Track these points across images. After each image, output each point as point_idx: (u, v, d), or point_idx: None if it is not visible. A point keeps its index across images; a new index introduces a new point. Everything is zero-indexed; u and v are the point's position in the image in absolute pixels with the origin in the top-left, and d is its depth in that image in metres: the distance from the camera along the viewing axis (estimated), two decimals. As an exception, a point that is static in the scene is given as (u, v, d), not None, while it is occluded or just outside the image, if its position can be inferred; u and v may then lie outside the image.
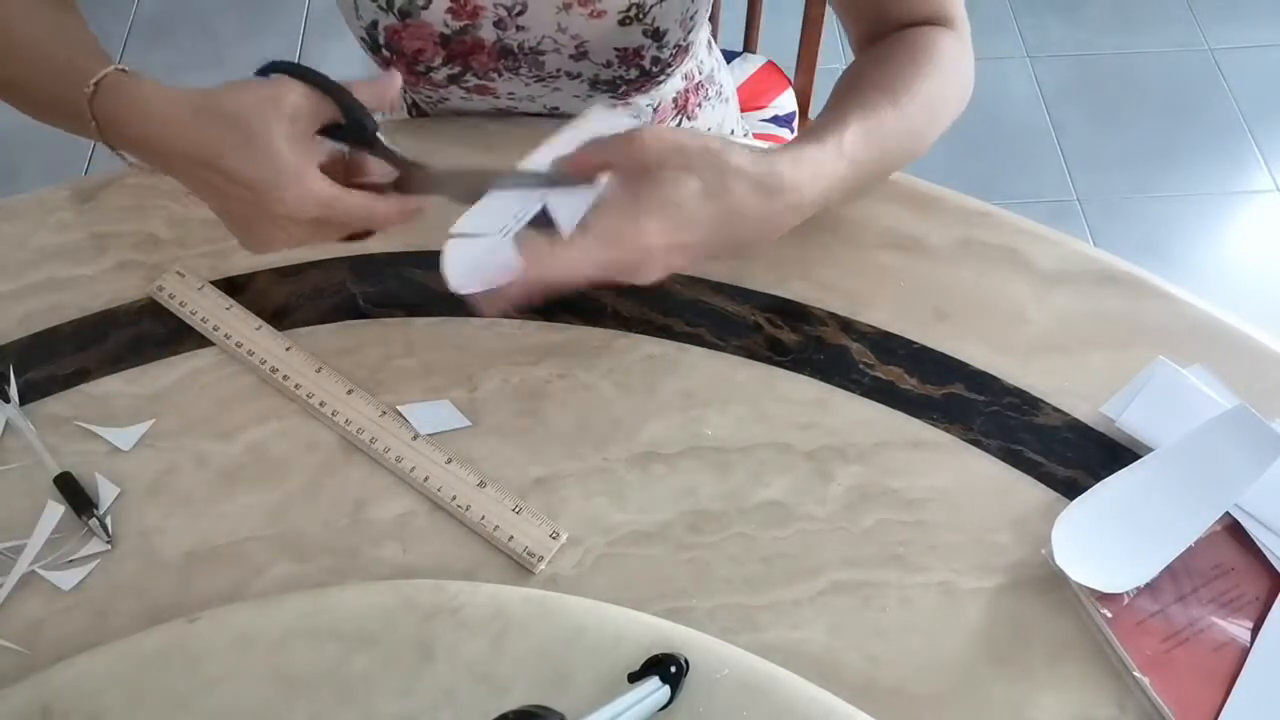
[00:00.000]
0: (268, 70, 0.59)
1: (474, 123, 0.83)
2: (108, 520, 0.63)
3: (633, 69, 0.80)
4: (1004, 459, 0.65)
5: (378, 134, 0.60)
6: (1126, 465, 0.63)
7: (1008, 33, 2.05)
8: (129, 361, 0.69)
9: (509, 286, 0.57)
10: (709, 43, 1.01)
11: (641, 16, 0.75)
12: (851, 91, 0.67)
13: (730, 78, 1.06)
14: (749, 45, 1.26)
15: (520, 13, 0.76)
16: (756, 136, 1.16)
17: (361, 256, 0.73)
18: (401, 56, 0.79)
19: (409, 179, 0.62)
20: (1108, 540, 0.60)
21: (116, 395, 0.68)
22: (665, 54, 0.80)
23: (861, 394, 0.68)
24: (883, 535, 0.63)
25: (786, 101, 1.22)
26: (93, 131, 0.62)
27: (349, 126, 0.60)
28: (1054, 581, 0.61)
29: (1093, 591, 0.59)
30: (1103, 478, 0.62)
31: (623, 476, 0.65)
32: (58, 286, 0.73)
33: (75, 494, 0.63)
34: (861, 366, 0.69)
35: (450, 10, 0.76)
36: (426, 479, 0.64)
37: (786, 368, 0.69)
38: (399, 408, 0.67)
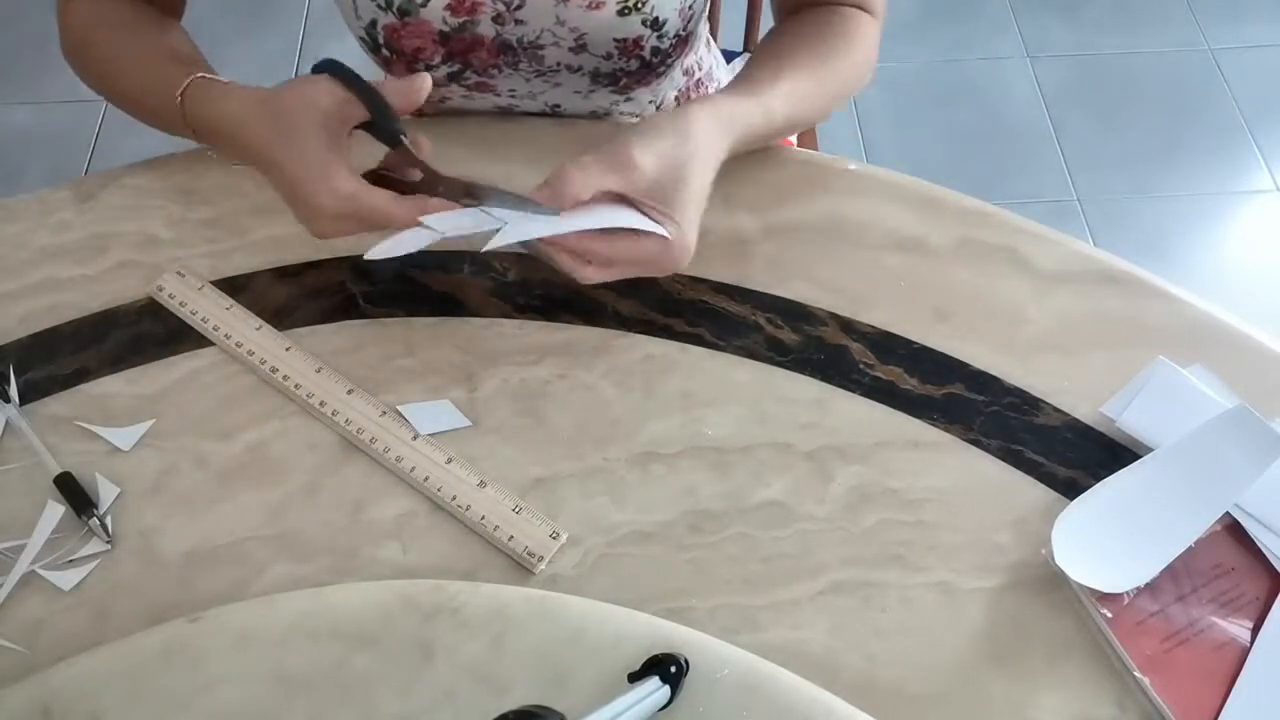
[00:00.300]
0: (319, 68, 0.64)
1: (474, 123, 0.83)
2: (108, 520, 0.63)
3: (633, 60, 0.80)
4: (1004, 459, 0.65)
5: (401, 136, 0.64)
6: (1126, 465, 0.63)
7: (1008, 33, 2.05)
8: (129, 361, 0.69)
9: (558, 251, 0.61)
10: (708, 40, 1.01)
11: (640, 6, 0.76)
12: (787, 55, 0.73)
13: (730, 76, 1.06)
14: (749, 45, 1.26)
15: (518, 7, 0.76)
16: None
17: (361, 256, 0.73)
18: (401, 55, 0.79)
19: (430, 182, 0.64)
20: (1108, 540, 0.60)
21: (116, 395, 0.68)
22: (665, 44, 0.80)
23: (861, 394, 0.68)
24: (883, 535, 0.62)
25: (786, 101, 1.21)
26: (192, 136, 0.71)
27: (377, 127, 0.63)
28: (1054, 581, 0.61)
29: (1093, 591, 0.59)
30: (1103, 478, 0.62)
31: (623, 476, 0.65)
32: (58, 286, 0.73)
33: (75, 494, 0.63)
34: (862, 366, 0.69)
35: (449, 7, 0.76)
36: (426, 479, 0.64)
37: (787, 368, 0.69)
38: (399, 408, 0.67)
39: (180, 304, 0.71)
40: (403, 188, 0.64)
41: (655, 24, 0.78)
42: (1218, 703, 0.56)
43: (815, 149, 1.14)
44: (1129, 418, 0.65)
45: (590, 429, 0.66)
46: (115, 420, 0.67)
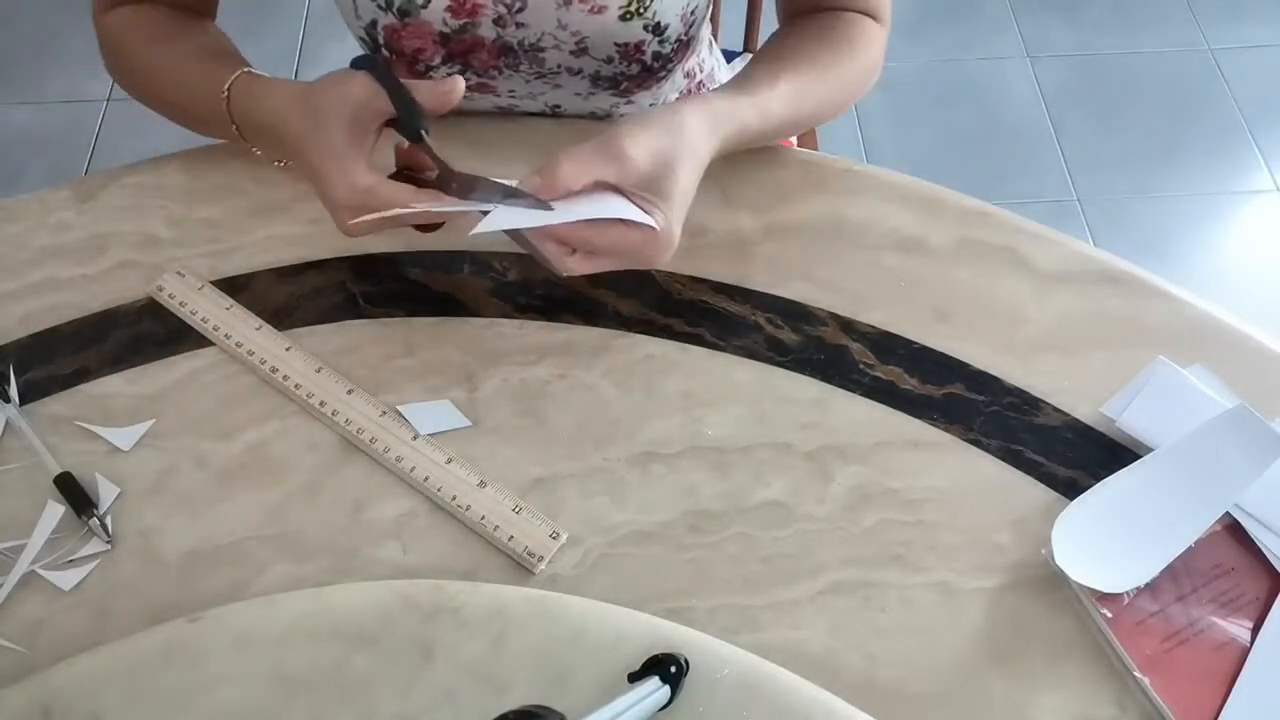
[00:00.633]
0: (357, 63, 0.65)
1: (473, 123, 0.82)
2: (108, 520, 0.63)
3: (634, 64, 0.80)
4: (1004, 459, 0.65)
5: (424, 134, 0.64)
6: (1126, 465, 0.63)
7: (1008, 33, 2.05)
8: (129, 361, 0.69)
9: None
10: (710, 42, 1.01)
11: (642, 11, 0.76)
12: (789, 57, 0.74)
13: (730, 77, 1.06)
14: (749, 45, 1.26)
15: (520, 10, 0.76)
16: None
17: (361, 256, 0.73)
18: (401, 56, 0.79)
19: (444, 179, 0.65)
20: (1108, 540, 0.60)
21: (116, 395, 0.68)
22: (666, 49, 0.80)
23: (861, 394, 0.68)
24: (883, 535, 0.62)
25: (786, 101, 1.22)
26: (235, 135, 0.71)
27: (403, 123, 0.64)
28: (1054, 581, 0.61)
29: (1093, 591, 0.59)
30: (1103, 478, 0.62)
31: (623, 476, 0.65)
32: (58, 286, 0.73)
33: (75, 494, 0.63)
34: (862, 366, 0.69)
35: (449, 9, 0.76)
36: (426, 479, 0.64)
37: (787, 368, 0.69)
38: (399, 408, 0.67)
39: (180, 304, 0.71)
40: (421, 185, 0.65)
41: (657, 29, 0.78)
42: (1218, 703, 0.56)
43: (815, 149, 1.14)
44: (1129, 418, 0.65)
45: (590, 429, 0.66)
46: (115, 420, 0.67)
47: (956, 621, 0.60)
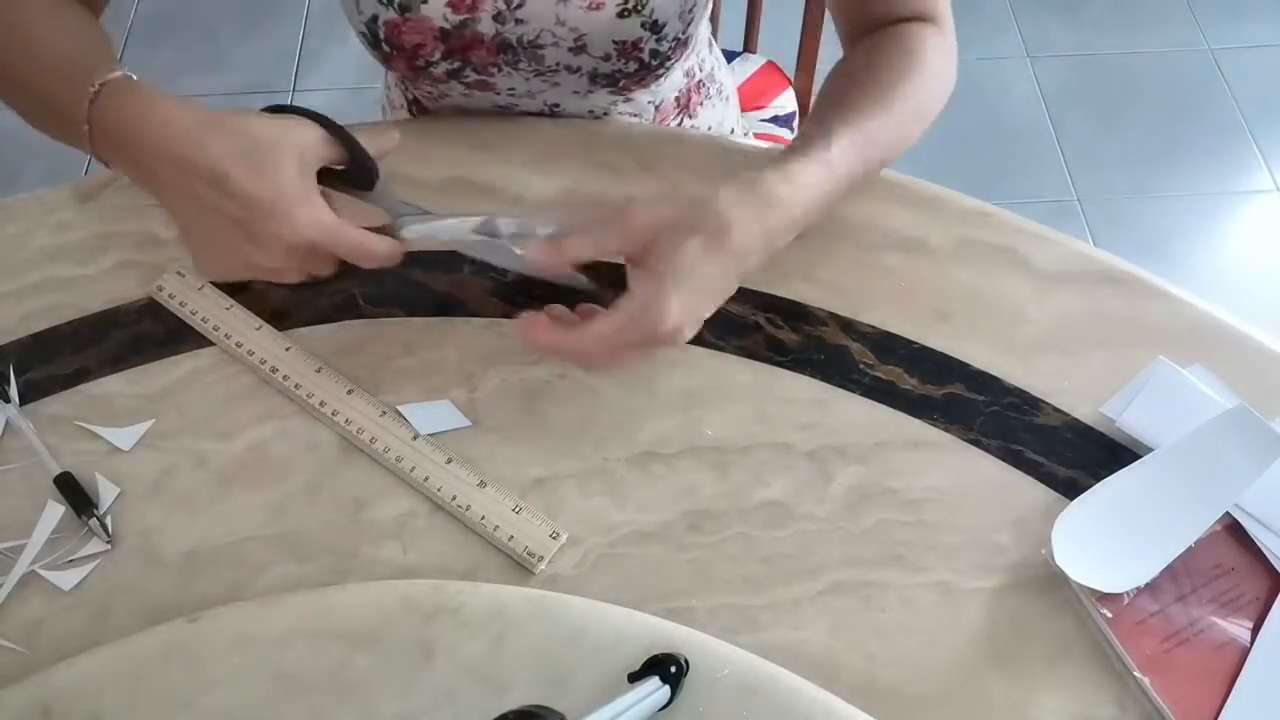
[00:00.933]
0: (273, 110, 0.63)
1: (472, 122, 0.83)
2: (108, 520, 0.63)
3: (631, 62, 0.80)
4: (1004, 459, 0.65)
5: (374, 178, 0.64)
6: (1126, 465, 0.63)
7: (1008, 33, 2.05)
8: (129, 361, 0.69)
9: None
10: (709, 41, 1.01)
11: (640, 8, 0.76)
12: (842, 97, 0.69)
13: (731, 77, 1.06)
14: (749, 45, 1.26)
15: (519, 6, 0.76)
16: (757, 136, 1.17)
17: (361, 256, 0.73)
18: (401, 51, 0.79)
19: (395, 227, 0.65)
20: (1108, 540, 0.60)
21: (116, 395, 0.68)
22: (664, 47, 0.80)
23: (861, 394, 0.68)
24: (883, 535, 0.63)
25: (786, 101, 1.22)
26: (83, 135, 0.62)
27: (354, 170, 0.64)
28: (1054, 581, 0.61)
29: (1093, 591, 0.59)
30: (1103, 478, 0.62)
31: (623, 476, 0.65)
32: (58, 286, 0.73)
33: (75, 494, 0.63)
34: (862, 366, 0.69)
35: (450, 4, 0.76)
36: (426, 479, 0.64)
37: (787, 368, 0.69)
38: (399, 408, 0.67)
39: (180, 304, 0.71)
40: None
41: (654, 26, 0.78)
42: (1218, 703, 0.56)
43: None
44: (1129, 418, 0.65)
45: (590, 429, 0.66)
46: (115, 420, 0.67)
47: (956, 621, 0.60)
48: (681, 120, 0.96)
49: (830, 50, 0.84)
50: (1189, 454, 0.62)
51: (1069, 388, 0.68)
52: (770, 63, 1.25)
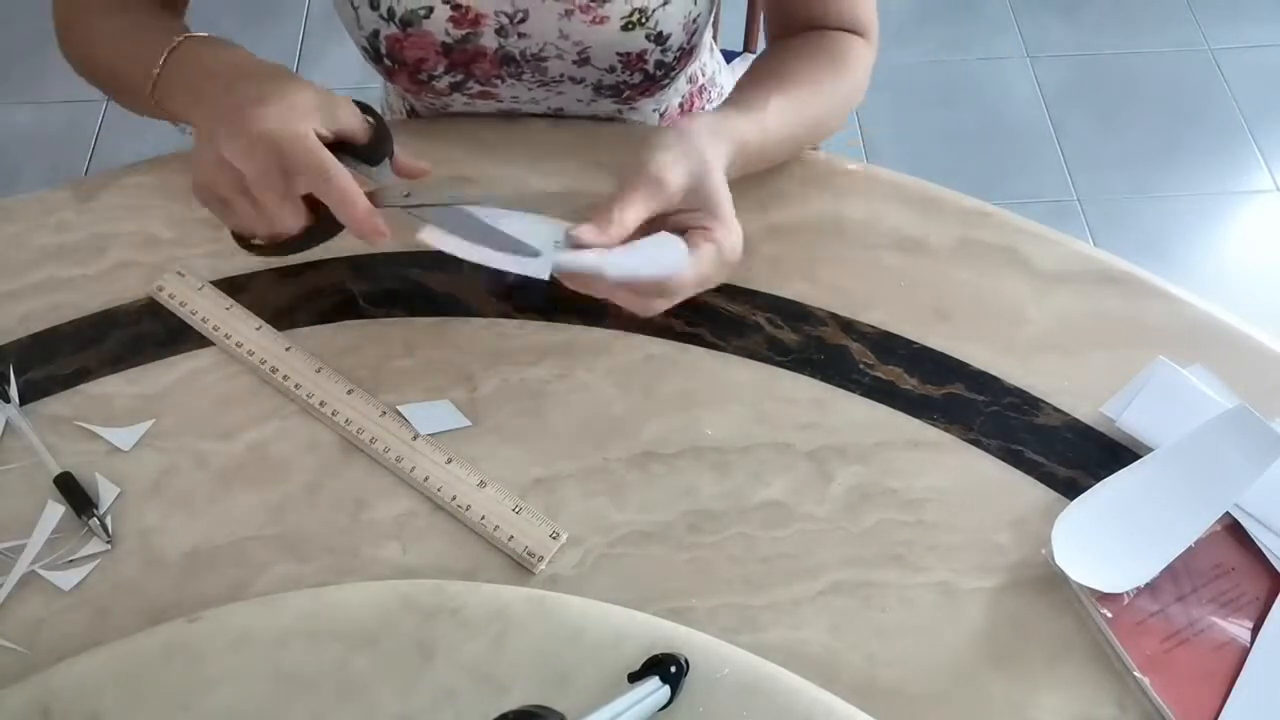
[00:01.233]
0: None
1: (474, 124, 0.83)
2: (108, 520, 0.63)
3: (636, 74, 0.80)
4: (1004, 459, 0.65)
5: (387, 159, 0.63)
6: (1126, 465, 0.63)
7: (1008, 33, 2.05)
8: (129, 361, 0.69)
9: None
10: (711, 46, 1.01)
11: (644, 21, 0.75)
12: (775, 78, 0.72)
13: (731, 78, 1.06)
14: (749, 45, 1.26)
15: (522, 20, 0.76)
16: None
17: (362, 256, 0.73)
18: (403, 66, 0.79)
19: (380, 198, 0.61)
20: (1108, 540, 0.60)
21: (116, 395, 0.68)
22: (669, 58, 0.80)
23: (861, 394, 0.68)
24: (883, 535, 0.63)
25: (786, 101, 1.21)
26: (153, 106, 0.65)
27: (371, 147, 0.62)
28: (1054, 581, 0.61)
29: (1093, 591, 0.59)
30: (1103, 478, 0.62)
31: (623, 476, 0.65)
32: (58, 286, 0.73)
33: (75, 494, 0.63)
34: (862, 366, 0.69)
35: (452, 19, 0.75)
36: (426, 479, 0.64)
37: (786, 368, 0.69)
38: (399, 408, 0.67)
39: (180, 304, 0.71)
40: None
41: (659, 38, 0.77)
42: (1218, 703, 0.56)
43: (815, 149, 1.14)
44: (1129, 418, 0.65)
45: (590, 429, 0.66)
46: (115, 420, 0.67)
47: (956, 621, 0.60)
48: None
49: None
50: (1189, 454, 0.62)
51: (1069, 388, 0.68)
52: (770, 63, 1.24)
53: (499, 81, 0.81)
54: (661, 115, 0.92)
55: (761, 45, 1.25)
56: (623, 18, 0.75)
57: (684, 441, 0.66)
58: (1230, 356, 0.68)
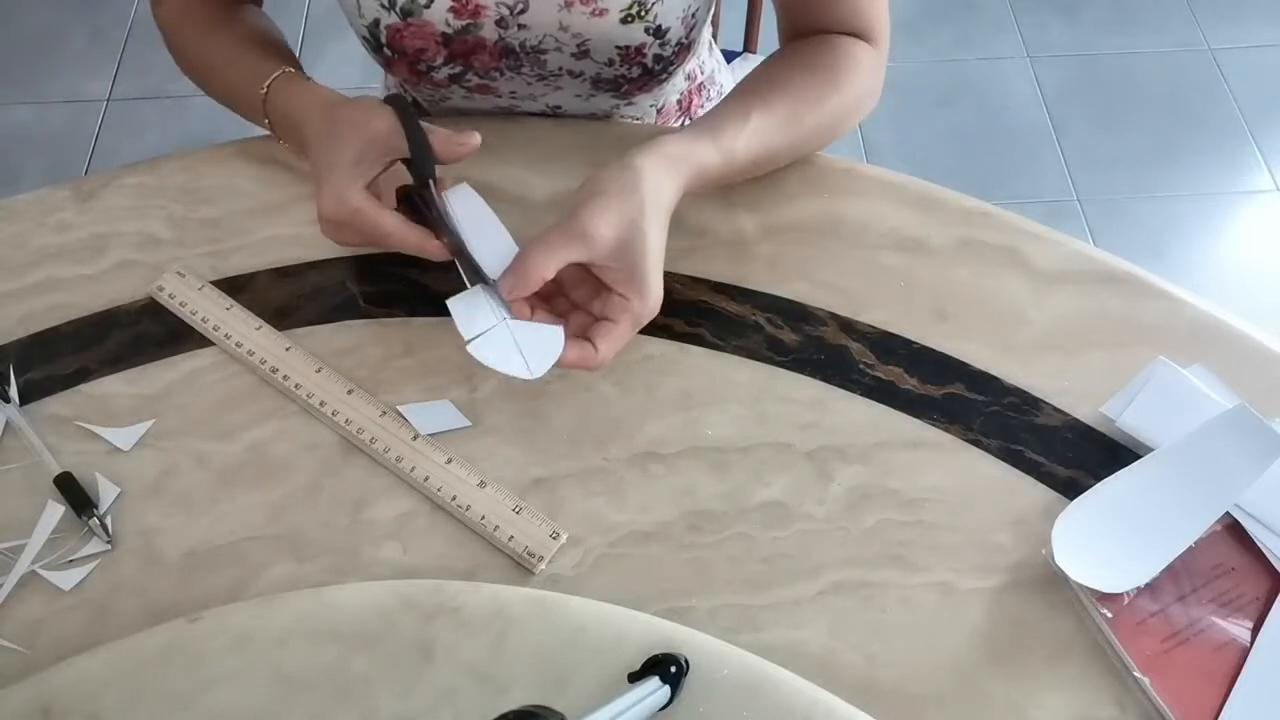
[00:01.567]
0: (387, 100, 0.67)
1: (473, 126, 0.82)
2: (108, 520, 0.63)
3: (635, 67, 0.80)
4: (1004, 459, 0.65)
5: (430, 180, 0.66)
6: (1126, 465, 0.63)
7: (1008, 33, 2.05)
8: (129, 361, 0.69)
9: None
10: (710, 43, 1.01)
11: (643, 14, 0.76)
12: (765, 93, 0.72)
13: (731, 78, 1.06)
14: (749, 45, 1.26)
15: (522, 11, 0.76)
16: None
17: (361, 256, 0.73)
18: (403, 56, 0.79)
19: (436, 228, 0.66)
20: (1108, 540, 0.60)
21: (116, 395, 0.68)
22: (667, 52, 0.80)
23: (861, 394, 0.68)
24: (883, 535, 0.63)
25: (786, 101, 1.21)
26: (267, 125, 0.75)
27: (414, 165, 0.66)
28: (1054, 581, 0.61)
29: (1093, 591, 0.59)
30: (1103, 478, 0.62)
31: (623, 476, 0.65)
32: (58, 286, 0.73)
33: (75, 494, 0.63)
34: (861, 366, 0.69)
35: (452, 9, 0.76)
36: (426, 479, 0.64)
37: (786, 368, 0.69)
38: (399, 408, 0.67)
39: (180, 304, 0.71)
40: (422, 218, 0.66)
41: (658, 32, 0.78)
42: (1218, 703, 0.56)
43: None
44: (1129, 418, 0.65)
45: (590, 429, 0.66)
46: (115, 420, 0.67)
47: (956, 621, 0.60)
48: (682, 122, 0.96)
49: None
50: (1189, 454, 0.62)
51: (1069, 388, 0.68)
52: (770, 63, 1.24)
53: (498, 74, 0.81)
54: (659, 111, 0.92)
55: (762, 45, 1.26)
56: (622, 11, 0.75)
57: (684, 441, 0.66)
58: (1230, 356, 0.68)
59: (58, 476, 0.64)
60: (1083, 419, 0.67)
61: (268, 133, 0.78)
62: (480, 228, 0.66)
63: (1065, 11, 2.08)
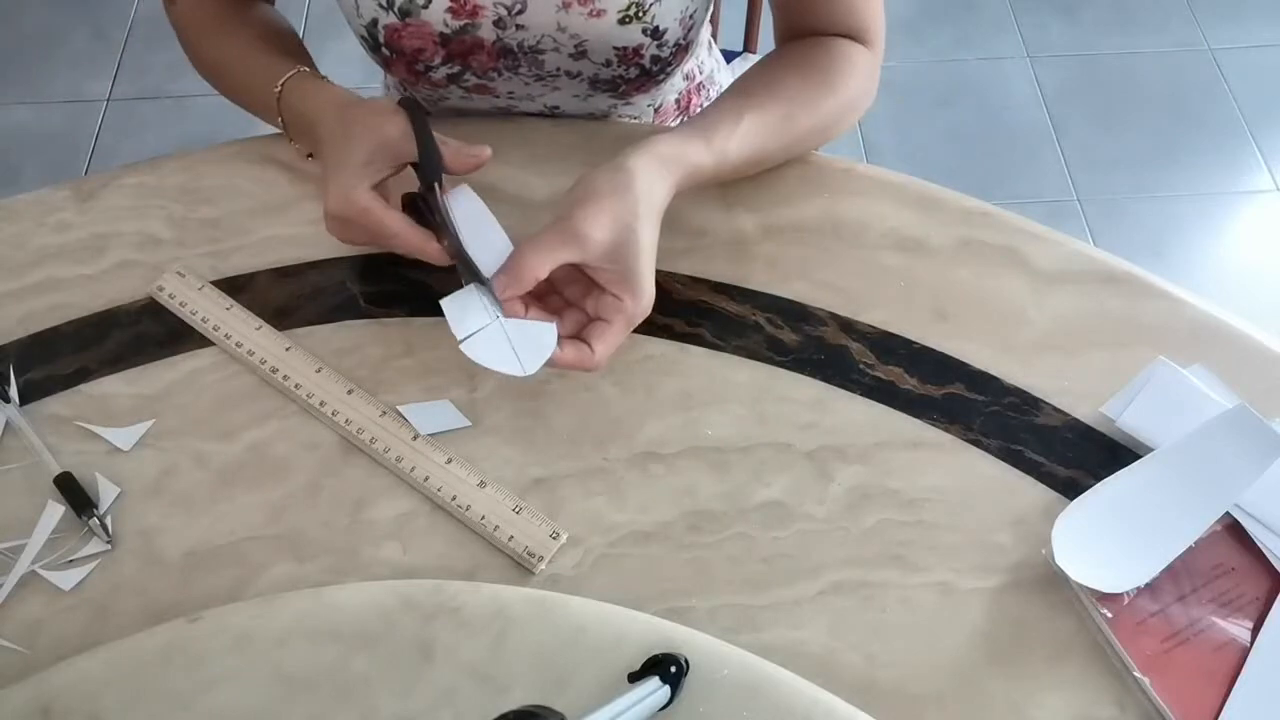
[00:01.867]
0: (401, 102, 0.68)
1: (471, 124, 0.82)
2: (108, 520, 0.63)
3: (632, 68, 0.80)
4: (1004, 459, 0.65)
5: (436, 185, 0.66)
6: (1126, 465, 0.63)
7: (1008, 33, 2.05)
8: (129, 361, 0.69)
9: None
10: (709, 43, 1.01)
11: (641, 15, 0.76)
12: (758, 94, 0.72)
13: (730, 78, 1.06)
14: (749, 45, 1.26)
15: (520, 12, 0.76)
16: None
17: (361, 256, 0.73)
18: (401, 55, 0.79)
19: (438, 232, 0.66)
20: (1108, 540, 0.60)
21: (116, 395, 0.68)
22: (665, 53, 0.80)
23: (861, 394, 0.68)
24: (883, 535, 0.63)
25: (786, 101, 1.21)
26: (280, 125, 0.75)
27: (421, 170, 0.66)
28: (1054, 581, 0.61)
29: (1093, 591, 0.59)
30: (1103, 478, 0.62)
31: (622, 476, 0.65)
32: (58, 286, 0.73)
33: (75, 494, 0.63)
34: (861, 366, 0.69)
35: (450, 9, 0.76)
36: (426, 479, 0.64)
37: (786, 368, 0.69)
38: (399, 408, 0.67)
39: (180, 304, 0.71)
40: (425, 222, 0.67)
41: (655, 33, 0.78)
42: (1218, 703, 0.56)
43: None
44: (1129, 418, 0.65)
45: (590, 429, 0.66)
46: (115, 420, 0.67)
47: (956, 621, 0.60)
48: (681, 122, 0.96)
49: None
50: (1189, 454, 0.62)
51: (1069, 388, 0.68)
52: (770, 63, 1.24)
53: (495, 75, 0.81)
54: (657, 111, 0.92)
55: (761, 45, 1.26)
56: (619, 11, 0.75)
57: (684, 441, 0.66)
58: (1230, 356, 0.68)
59: (58, 476, 0.64)
60: (1083, 419, 0.67)
61: (268, 133, 0.78)
62: (479, 229, 0.66)
63: (1065, 11, 2.08)
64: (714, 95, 0.99)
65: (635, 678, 0.53)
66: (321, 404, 0.67)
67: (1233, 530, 0.61)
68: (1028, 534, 0.62)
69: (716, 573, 0.61)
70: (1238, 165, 1.88)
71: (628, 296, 0.62)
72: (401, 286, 0.72)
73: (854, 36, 0.75)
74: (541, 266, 0.61)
